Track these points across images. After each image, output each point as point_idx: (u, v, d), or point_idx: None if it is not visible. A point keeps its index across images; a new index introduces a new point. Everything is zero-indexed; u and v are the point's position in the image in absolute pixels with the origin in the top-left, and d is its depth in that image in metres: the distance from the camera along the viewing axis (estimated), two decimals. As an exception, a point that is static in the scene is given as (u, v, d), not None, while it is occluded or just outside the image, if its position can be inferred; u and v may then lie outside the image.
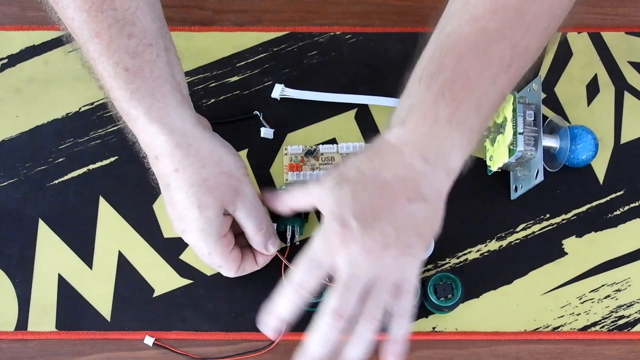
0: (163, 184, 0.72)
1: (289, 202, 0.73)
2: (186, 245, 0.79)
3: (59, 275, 0.81)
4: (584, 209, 0.84)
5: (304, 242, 0.82)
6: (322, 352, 0.66)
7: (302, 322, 0.79)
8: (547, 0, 0.67)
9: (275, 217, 0.79)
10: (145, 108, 0.69)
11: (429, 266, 0.82)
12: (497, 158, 0.81)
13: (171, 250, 0.82)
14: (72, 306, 0.80)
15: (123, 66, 0.68)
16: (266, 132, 0.85)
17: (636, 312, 0.81)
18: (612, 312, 0.81)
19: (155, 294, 0.81)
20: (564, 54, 0.88)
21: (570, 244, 0.83)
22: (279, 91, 0.86)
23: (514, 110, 0.78)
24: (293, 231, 0.80)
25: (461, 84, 0.66)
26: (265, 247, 0.76)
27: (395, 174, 0.65)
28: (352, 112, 0.86)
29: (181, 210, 0.71)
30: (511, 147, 0.79)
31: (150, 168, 0.73)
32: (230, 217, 0.73)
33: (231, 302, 0.80)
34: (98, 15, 0.68)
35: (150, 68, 0.69)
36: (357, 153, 0.68)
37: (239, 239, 0.76)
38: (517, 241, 0.83)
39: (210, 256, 0.74)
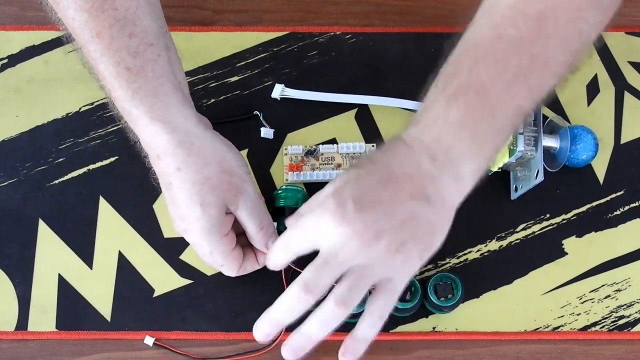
0: (165, 183, 0.72)
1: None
2: (186, 245, 0.79)
3: (59, 275, 0.81)
4: (584, 209, 0.84)
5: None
6: (285, 321, 0.66)
7: (302, 322, 0.79)
8: (570, 12, 0.66)
9: (275, 217, 0.79)
10: (147, 107, 0.69)
11: (429, 266, 0.82)
12: (497, 158, 0.81)
13: (171, 250, 0.82)
14: (72, 306, 0.80)
15: (124, 65, 0.68)
16: (266, 132, 0.85)
17: (636, 312, 0.81)
18: (612, 312, 0.81)
19: (155, 294, 0.81)
20: (564, 54, 0.88)
21: (570, 244, 0.83)
22: (279, 91, 0.86)
23: (514, 110, 0.78)
24: None
25: (475, 89, 0.65)
26: (266, 246, 0.76)
27: (403, 168, 0.65)
28: (352, 112, 0.86)
29: (183, 209, 0.71)
30: (511, 147, 0.79)
31: (152, 168, 0.73)
32: (231, 216, 0.73)
33: (231, 302, 0.80)
34: (99, 15, 0.68)
35: (152, 67, 0.69)
36: (372, 150, 0.67)
37: (240, 238, 0.76)
38: (517, 241, 0.83)
39: (212, 255, 0.74)
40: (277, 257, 0.69)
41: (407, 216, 0.64)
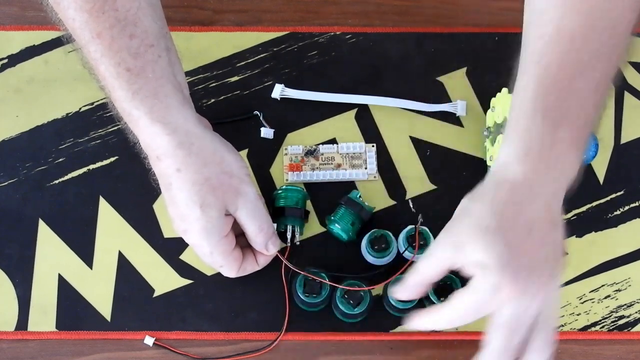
0: (164, 183, 0.72)
1: (423, 281, 0.69)
2: (186, 245, 0.79)
3: (59, 275, 0.81)
4: (584, 209, 0.84)
5: (304, 242, 0.82)
6: None
7: (302, 322, 0.79)
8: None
9: (275, 217, 0.79)
10: (148, 108, 0.69)
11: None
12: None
13: (171, 250, 0.82)
14: (72, 306, 0.80)
15: (125, 66, 0.68)
16: (266, 132, 0.85)
17: (636, 312, 0.81)
18: (612, 312, 0.81)
19: (155, 294, 0.81)
20: (564, 54, 0.88)
21: (570, 244, 0.83)
22: (279, 91, 0.86)
23: (514, 110, 0.78)
24: (293, 231, 0.80)
25: (574, 106, 0.66)
26: (266, 248, 0.76)
27: (536, 210, 0.65)
28: (352, 112, 0.86)
29: (183, 209, 0.71)
30: (511, 147, 0.78)
31: (151, 169, 0.73)
32: (231, 217, 0.73)
33: (231, 302, 0.80)
34: (100, 15, 0.68)
35: (152, 68, 0.69)
36: (481, 196, 0.67)
37: (240, 239, 0.76)
38: (517, 241, 0.83)
39: (212, 255, 0.74)
40: (441, 324, 0.69)
41: (554, 248, 0.66)
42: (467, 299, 0.65)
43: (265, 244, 0.75)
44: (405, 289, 0.70)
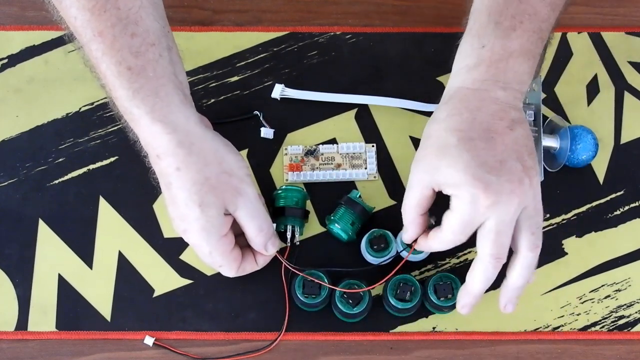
0: (164, 182, 0.72)
1: (416, 212, 0.73)
2: (186, 245, 0.79)
3: (59, 275, 0.81)
4: (584, 209, 0.84)
5: (304, 242, 0.82)
6: (483, 289, 0.72)
7: (302, 322, 0.79)
8: None
9: (275, 217, 0.79)
10: (149, 107, 0.69)
11: (429, 266, 0.82)
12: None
13: (171, 250, 0.82)
14: (72, 306, 0.80)
15: (126, 65, 0.68)
16: (266, 132, 0.85)
17: (636, 312, 0.81)
18: (612, 312, 0.81)
19: (155, 294, 0.81)
20: (564, 54, 0.88)
21: (570, 244, 0.83)
22: (279, 91, 0.86)
23: (514, 110, 0.78)
24: (293, 231, 0.80)
25: (527, 15, 0.71)
26: (265, 248, 0.76)
27: (489, 113, 0.70)
28: (352, 112, 0.86)
29: (183, 209, 0.71)
30: (511, 147, 0.78)
31: (151, 167, 0.73)
32: (231, 217, 0.73)
33: (231, 302, 0.80)
34: (101, 14, 0.68)
35: (153, 67, 0.69)
36: (437, 118, 0.71)
37: (239, 239, 0.76)
38: (517, 241, 0.83)
39: (212, 255, 0.74)
40: (435, 249, 0.74)
41: (519, 147, 0.69)
42: (452, 220, 0.69)
43: (265, 244, 0.75)
44: (406, 229, 0.74)
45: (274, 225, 0.77)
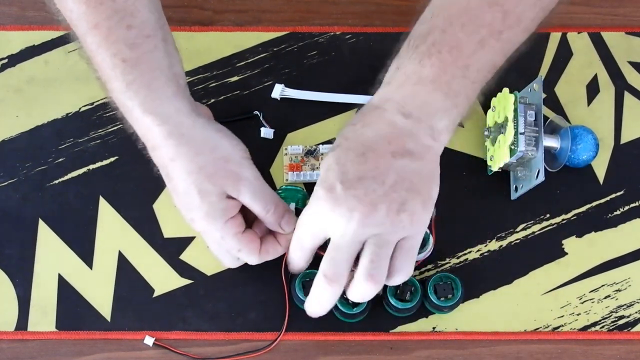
0: (165, 174, 0.72)
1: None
2: (186, 245, 0.79)
3: (59, 275, 0.81)
4: (584, 209, 0.84)
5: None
6: (321, 313, 0.72)
7: (302, 322, 0.79)
8: None
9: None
10: (140, 99, 0.69)
11: (429, 266, 0.82)
12: (497, 158, 0.81)
13: (171, 250, 0.82)
14: (72, 306, 0.80)
15: (121, 57, 0.69)
16: (266, 132, 0.85)
17: (636, 312, 0.81)
18: (612, 312, 0.81)
19: (155, 294, 0.81)
20: (564, 54, 0.88)
21: (570, 244, 0.83)
22: (279, 91, 0.86)
23: (515, 110, 0.79)
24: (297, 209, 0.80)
25: (448, 46, 0.68)
26: (280, 227, 0.75)
27: (377, 132, 0.68)
28: (352, 112, 0.86)
29: (184, 198, 0.71)
30: (512, 147, 0.79)
31: (151, 159, 0.73)
32: (236, 201, 0.73)
33: (231, 302, 0.80)
34: (97, 6, 0.68)
35: (148, 59, 0.69)
36: (347, 123, 0.70)
37: (259, 225, 0.76)
38: (517, 241, 0.83)
39: (225, 240, 0.73)
40: (296, 261, 0.73)
41: (396, 177, 0.67)
42: (301, 216, 0.71)
43: (278, 223, 0.74)
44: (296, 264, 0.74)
45: (292, 204, 0.77)
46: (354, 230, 0.66)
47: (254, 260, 0.75)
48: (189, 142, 0.71)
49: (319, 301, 0.71)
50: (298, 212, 0.80)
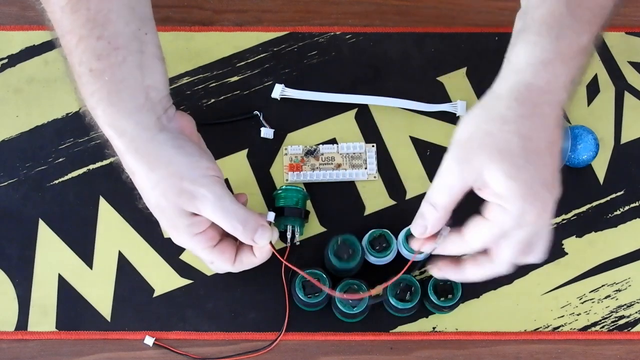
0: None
1: (442, 213, 0.68)
2: (186, 245, 0.79)
3: (59, 275, 0.81)
4: (584, 209, 0.84)
5: (304, 242, 0.82)
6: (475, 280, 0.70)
7: (302, 322, 0.79)
8: None
9: (275, 217, 0.79)
10: (101, 111, 0.69)
11: (429, 266, 0.82)
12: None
13: (171, 250, 0.82)
14: (72, 306, 0.80)
15: (88, 67, 0.68)
16: (266, 132, 0.85)
17: (636, 312, 0.81)
18: (612, 312, 0.81)
19: (155, 294, 0.81)
20: (564, 54, 0.88)
21: (570, 244, 0.83)
22: (279, 91, 0.86)
23: (514, 110, 0.78)
24: (293, 231, 0.80)
25: (600, 9, 0.66)
26: (253, 241, 0.73)
27: (554, 122, 0.65)
28: (352, 112, 0.86)
29: (151, 208, 0.71)
30: (511, 147, 0.78)
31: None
32: (204, 217, 0.71)
33: (231, 302, 0.80)
34: (72, 14, 0.67)
35: (113, 72, 0.68)
36: (503, 115, 0.65)
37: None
38: (517, 241, 0.83)
39: (196, 252, 0.73)
40: (456, 251, 0.70)
41: (556, 166, 0.66)
42: (485, 229, 0.65)
43: (250, 238, 0.72)
44: (427, 221, 0.68)
45: (272, 214, 0.75)
46: (544, 227, 0.67)
47: (224, 270, 0.75)
48: (143, 157, 0.69)
49: (484, 276, 0.70)
50: (298, 212, 0.80)
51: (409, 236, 0.75)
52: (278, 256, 0.76)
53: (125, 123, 0.69)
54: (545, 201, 0.64)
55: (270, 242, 0.74)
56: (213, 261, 0.74)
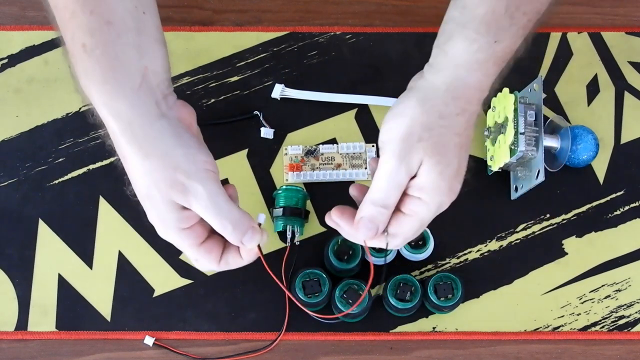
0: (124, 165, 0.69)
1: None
2: (186, 245, 0.79)
3: (59, 275, 0.81)
4: (584, 209, 0.84)
5: (304, 242, 0.82)
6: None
7: (302, 322, 0.79)
8: None
9: (274, 216, 0.79)
10: (94, 90, 0.66)
11: (429, 266, 0.82)
12: (498, 158, 0.81)
13: (171, 250, 0.81)
14: (72, 306, 0.80)
15: (80, 42, 0.65)
16: (266, 132, 0.85)
17: (636, 312, 0.81)
18: (612, 312, 0.81)
19: (155, 294, 0.81)
20: (564, 53, 0.88)
21: (570, 244, 0.83)
22: (279, 91, 0.86)
23: (515, 110, 0.78)
24: (293, 231, 0.80)
25: (535, 14, 0.67)
26: (242, 243, 0.69)
27: (475, 117, 0.67)
28: (352, 112, 0.86)
29: (140, 196, 0.68)
30: (512, 147, 0.79)
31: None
32: (194, 212, 0.68)
33: (231, 302, 0.80)
34: None
35: (105, 48, 0.65)
36: (442, 112, 0.67)
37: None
38: (517, 241, 0.83)
39: (181, 248, 0.69)
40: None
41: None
42: (409, 227, 0.68)
43: (239, 239, 0.68)
44: (375, 230, 0.68)
45: (262, 216, 0.70)
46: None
47: (208, 269, 0.71)
48: (138, 143, 0.66)
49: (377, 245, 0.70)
50: (298, 211, 0.80)
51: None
52: (264, 262, 0.71)
53: (121, 104, 0.66)
54: (457, 192, 0.67)
55: (259, 246, 0.70)
56: (198, 259, 0.70)
